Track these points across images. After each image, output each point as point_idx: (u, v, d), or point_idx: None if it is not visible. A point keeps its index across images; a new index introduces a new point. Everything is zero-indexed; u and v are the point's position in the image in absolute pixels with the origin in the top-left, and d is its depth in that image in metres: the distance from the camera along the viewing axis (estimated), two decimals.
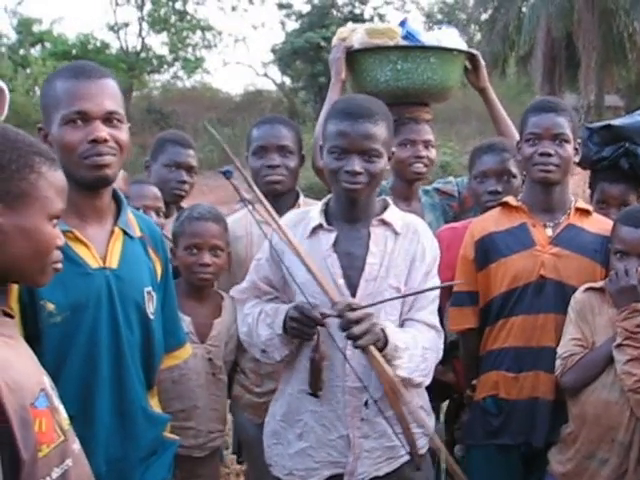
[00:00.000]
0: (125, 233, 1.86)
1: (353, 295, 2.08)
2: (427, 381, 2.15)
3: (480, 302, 2.53)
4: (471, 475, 2.50)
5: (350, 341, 1.95)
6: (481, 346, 2.55)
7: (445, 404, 3.02)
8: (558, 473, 2.37)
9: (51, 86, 1.77)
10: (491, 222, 2.55)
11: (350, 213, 2.16)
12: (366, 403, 2.07)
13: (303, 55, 24.73)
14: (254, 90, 29.71)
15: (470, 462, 2.59)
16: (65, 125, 1.72)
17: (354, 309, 1.92)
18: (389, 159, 2.15)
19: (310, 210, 2.23)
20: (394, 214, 2.19)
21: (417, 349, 2.06)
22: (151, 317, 1.89)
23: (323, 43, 23.15)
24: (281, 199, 2.63)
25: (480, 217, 2.66)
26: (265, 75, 32.10)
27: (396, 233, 2.15)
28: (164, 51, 26.88)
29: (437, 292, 2.21)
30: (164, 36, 26.99)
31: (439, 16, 29.98)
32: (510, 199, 2.55)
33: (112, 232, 1.83)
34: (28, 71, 21.72)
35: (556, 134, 2.40)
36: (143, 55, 26.34)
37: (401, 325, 2.14)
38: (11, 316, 1.48)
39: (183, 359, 2.18)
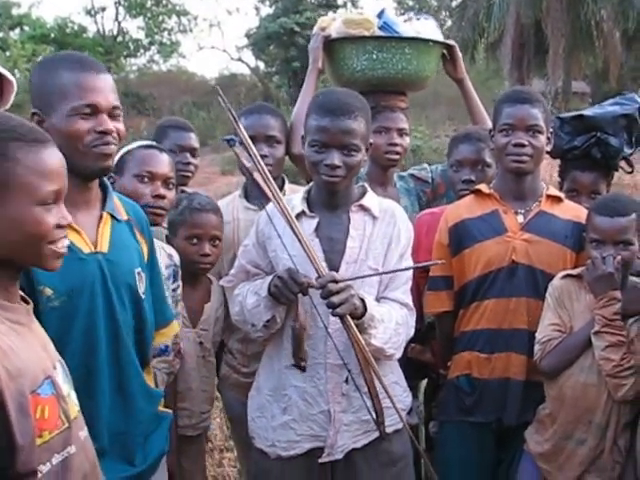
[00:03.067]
0: (113, 217, 1.90)
1: None
2: (398, 354, 2.25)
3: (455, 286, 2.60)
4: (444, 450, 2.63)
5: (333, 316, 2.05)
6: (455, 328, 2.62)
7: (424, 383, 3.10)
8: (536, 453, 2.44)
9: (54, 75, 1.78)
10: (464, 209, 2.62)
11: (330, 201, 2.25)
12: (346, 379, 2.17)
13: (277, 40, 24.69)
14: (229, 74, 29.66)
15: (443, 438, 2.68)
16: (75, 116, 1.76)
17: (336, 281, 2.02)
18: (367, 150, 2.24)
19: (292, 198, 2.30)
20: (372, 199, 2.29)
21: (391, 323, 2.17)
22: (142, 297, 1.94)
23: (297, 28, 23.10)
24: None
25: (454, 204, 2.72)
26: (239, 59, 31.98)
27: (374, 217, 2.25)
28: (140, 35, 26.86)
29: (410, 273, 2.31)
30: (140, 20, 26.92)
31: (410, 2, 30.00)
32: (482, 187, 2.61)
33: (101, 217, 1.87)
34: (7, 54, 21.36)
35: (530, 125, 2.45)
36: (120, 39, 26.20)
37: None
38: (27, 302, 1.49)
39: (171, 336, 2.22)
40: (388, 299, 2.24)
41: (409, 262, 2.30)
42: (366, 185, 2.37)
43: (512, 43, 18.84)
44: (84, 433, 1.49)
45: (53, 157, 1.45)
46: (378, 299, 2.23)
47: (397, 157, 2.98)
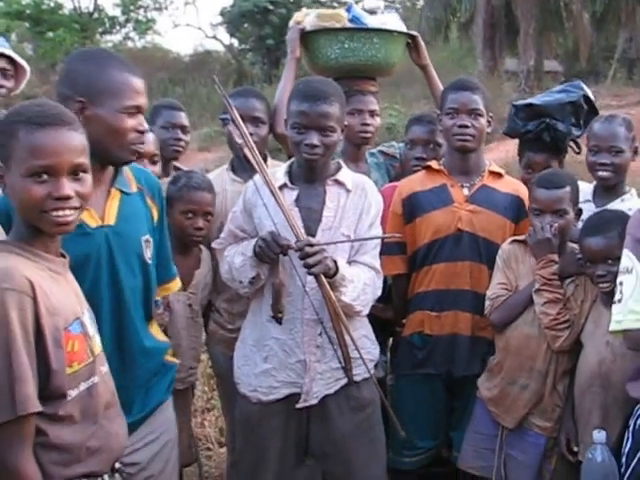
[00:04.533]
0: (122, 192, 2.06)
1: None
2: (365, 311, 2.50)
3: (408, 251, 2.87)
4: (399, 400, 2.92)
5: (309, 276, 2.31)
6: (409, 290, 2.89)
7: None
8: (486, 398, 2.72)
9: (105, 71, 1.96)
10: (416, 183, 2.89)
11: (309, 175, 2.49)
12: (320, 333, 2.42)
13: (251, 18, 24.54)
14: (203, 51, 29.25)
15: (398, 389, 2.97)
16: (124, 114, 1.96)
17: (312, 245, 2.29)
18: (342, 131, 2.49)
19: (276, 171, 2.53)
20: (346, 174, 2.53)
21: (359, 283, 2.41)
22: (149, 262, 2.11)
23: (270, 6, 22.94)
24: None
25: (407, 178, 3.00)
26: (214, 37, 31.59)
27: (348, 191, 2.49)
28: (117, 12, 26.29)
29: (378, 240, 2.55)
30: None
31: None
32: (433, 163, 2.89)
33: (109, 192, 2.03)
34: None
35: (472, 109, 2.75)
36: (96, 16, 25.73)
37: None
38: (64, 256, 1.74)
39: (174, 290, 2.44)
40: (358, 262, 2.47)
41: (378, 230, 2.54)
42: (341, 161, 2.60)
43: (483, 23, 18.87)
44: (105, 368, 1.77)
45: (49, 137, 1.60)
46: (350, 262, 2.46)
47: (369, 136, 3.21)
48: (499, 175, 2.88)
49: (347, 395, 2.50)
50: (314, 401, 2.46)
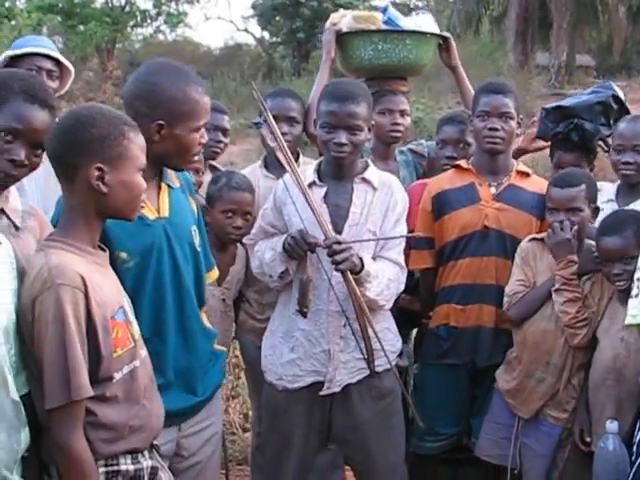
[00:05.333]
0: (169, 186, 2.19)
1: None
2: (388, 305, 2.58)
3: (436, 246, 2.95)
4: (423, 388, 3.03)
5: (336, 271, 2.40)
6: (436, 284, 2.97)
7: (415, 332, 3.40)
8: (504, 390, 2.80)
9: (188, 95, 2.06)
10: (446, 181, 2.97)
11: (337, 173, 2.58)
12: (345, 324, 2.50)
13: (282, 11, 24.62)
14: (234, 44, 29.47)
15: (423, 378, 3.06)
16: (195, 132, 2.09)
17: (340, 243, 2.38)
18: (369, 130, 2.57)
19: (306, 170, 2.63)
20: (373, 173, 2.61)
21: (384, 278, 2.49)
22: (198, 249, 2.24)
23: None
24: None
25: (437, 177, 3.07)
26: (245, 30, 31.78)
27: (374, 188, 2.57)
28: (148, 6, 26.38)
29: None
30: None
31: None
32: (462, 162, 2.97)
33: (159, 187, 2.15)
34: (13, 23, 21.24)
35: (503, 112, 2.82)
36: (127, 9, 25.88)
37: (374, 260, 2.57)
38: (103, 250, 1.86)
39: (213, 279, 2.53)
40: (383, 258, 2.56)
41: (404, 227, 2.62)
42: (368, 160, 2.69)
43: (516, 17, 18.70)
44: (144, 352, 1.90)
45: (142, 137, 1.85)
46: (375, 257, 2.54)
47: (399, 135, 3.28)
48: (526, 174, 2.94)
49: (369, 385, 2.59)
50: (337, 389, 2.55)
